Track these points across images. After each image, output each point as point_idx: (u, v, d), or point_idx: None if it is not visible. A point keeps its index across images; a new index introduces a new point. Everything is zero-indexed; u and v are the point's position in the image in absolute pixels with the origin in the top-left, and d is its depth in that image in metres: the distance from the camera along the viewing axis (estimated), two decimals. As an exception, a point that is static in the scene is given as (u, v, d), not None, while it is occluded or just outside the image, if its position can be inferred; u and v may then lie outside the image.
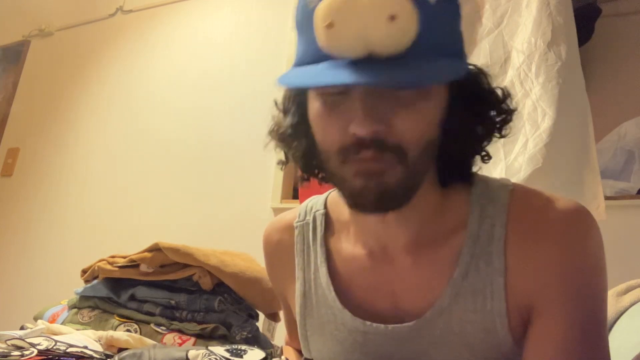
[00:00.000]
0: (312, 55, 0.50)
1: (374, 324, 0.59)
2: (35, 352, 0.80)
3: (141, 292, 1.23)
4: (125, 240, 1.68)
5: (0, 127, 2.54)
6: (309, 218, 0.69)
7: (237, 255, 1.22)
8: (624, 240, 1.26)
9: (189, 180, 1.83)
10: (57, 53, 2.56)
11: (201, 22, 2.16)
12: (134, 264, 1.26)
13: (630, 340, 0.64)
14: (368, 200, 0.51)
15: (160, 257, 1.22)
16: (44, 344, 0.84)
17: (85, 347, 0.91)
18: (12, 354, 0.77)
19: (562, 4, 1.29)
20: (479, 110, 0.56)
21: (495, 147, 1.27)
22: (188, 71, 2.05)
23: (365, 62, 0.46)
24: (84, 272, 1.36)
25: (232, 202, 1.76)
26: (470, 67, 0.56)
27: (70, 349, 0.86)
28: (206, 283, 1.17)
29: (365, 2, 0.44)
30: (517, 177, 1.19)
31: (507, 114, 0.57)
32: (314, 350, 0.67)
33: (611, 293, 0.79)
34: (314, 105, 0.54)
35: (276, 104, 0.63)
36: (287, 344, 0.85)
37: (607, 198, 1.18)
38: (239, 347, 0.94)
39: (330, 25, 0.46)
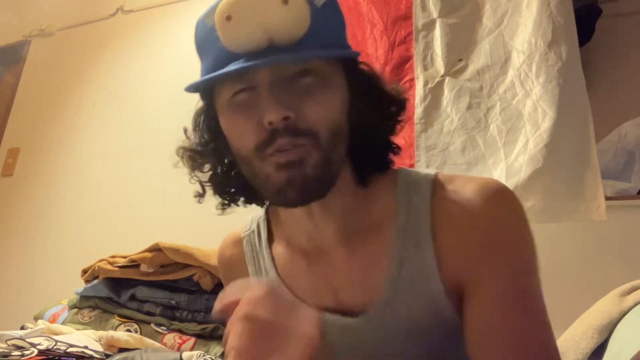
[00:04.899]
0: (216, 63, 0.53)
1: (327, 314, 0.61)
2: (36, 352, 0.80)
3: (141, 292, 1.23)
4: (125, 240, 1.68)
5: (0, 127, 2.54)
6: (254, 226, 0.72)
7: (237, 255, 1.22)
8: (624, 241, 1.26)
9: (189, 177, 1.83)
10: (57, 53, 2.56)
11: (201, 22, 2.16)
12: (134, 264, 1.26)
13: (634, 340, 0.64)
14: (293, 192, 0.53)
15: (161, 257, 1.22)
16: (44, 343, 0.84)
17: (86, 347, 0.91)
18: (12, 353, 0.77)
19: (563, 4, 1.29)
20: (375, 102, 0.60)
21: (496, 147, 1.29)
22: (189, 71, 2.04)
23: (265, 51, 0.51)
24: (84, 272, 1.36)
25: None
26: (363, 65, 0.61)
27: (70, 349, 0.86)
28: (207, 283, 1.17)
29: None
30: (518, 177, 1.19)
31: (400, 105, 0.62)
32: None
33: (615, 293, 0.79)
34: (225, 114, 0.57)
35: (185, 131, 0.66)
36: None
37: (607, 198, 1.18)
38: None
39: (229, 18, 0.50)
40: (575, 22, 1.29)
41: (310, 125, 0.53)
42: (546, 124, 1.21)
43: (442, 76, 1.40)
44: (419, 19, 1.47)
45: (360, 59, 0.61)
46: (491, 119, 1.30)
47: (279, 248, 0.68)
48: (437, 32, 1.44)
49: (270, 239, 0.70)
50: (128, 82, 2.27)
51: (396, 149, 0.64)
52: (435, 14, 1.46)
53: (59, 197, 2.22)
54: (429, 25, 1.46)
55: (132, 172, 2.08)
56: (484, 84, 1.34)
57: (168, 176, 2.02)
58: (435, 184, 0.59)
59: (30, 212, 2.26)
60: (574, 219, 1.17)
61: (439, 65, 1.41)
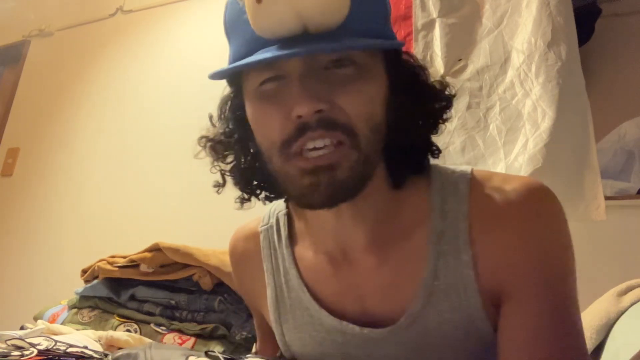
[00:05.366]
0: (245, 48, 0.48)
1: (350, 325, 0.57)
2: (35, 352, 0.80)
3: (141, 292, 1.24)
4: (125, 240, 1.68)
5: (0, 127, 2.54)
6: (273, 220, 0.67)
7: (237, 255, 1.22)
8: (624, 240, 1.26)
9: (190, 180, 1.83)
10: (57, 53, 2.56)
11: (202, 21, 2.16)
12: (134, 264, 1.26)
13: (631, 340, 0.64)
14: (318, 196, 0.48)
15: (160, 257, 1.22)
16: (44, 344, 0.84)
17: (85, 347, 0.91)
18: (12, 354, 0.77)
19: (562, 4, 1.29)
20: (418, 97, 0.55)
21: (496, 147, 1.29)
22: (189, 71, 2.05)
23: (298, 38, 0.46)
24: (84, 272, 1.36)
25: (234, 202, 1.74)
26: (405, 56, 0.56)
27: (70, 349, 0.86)
28: (206, 283, 1.17)
29: None
30: (517, 177, 1.19)
31: (446, 102, 0.57)
32: (296, 353, 0.65)
33: (611, 293, 0.79)
34: (251, 103, 0.52)
35: (211, 118, 0.61)
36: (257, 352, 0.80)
37: (607, 198, 1.18)
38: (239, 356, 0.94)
39: (259, 0, 0.44)
40: (575, 22, 1.29)
41: (348, 119, 0.47)
42: (546, 123, 1.21)
43: (441, 76, 1.40)
44: (418, 19, 1.47)
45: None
46: (491, 118, 1.30)
47: (301, 247, 0.63)
48: (437, 32, 1.44)
49: (292, 236, 0.64)
50: (128, 82, 2.27)
51: (436, 151, 0.58)
52: (434, 14, 1.46)
53: (59, 197, 2.22)
54: (429, 25, 1.46)
55: (132, 172, 2.08)
56: (484, 83, 1.34)
57: (168, 176, 2.03)
58: (472, 184, 0.54)
59: (30, 212, 2.26)
60: (573, 219, 1.16)
61: (439, 65, 1.41)
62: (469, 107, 1.33)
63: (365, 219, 0.56)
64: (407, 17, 1.49)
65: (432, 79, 0.57)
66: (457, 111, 1.33)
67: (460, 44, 1.41)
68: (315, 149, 0.47)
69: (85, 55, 2.45)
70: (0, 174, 2.43)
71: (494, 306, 0.52)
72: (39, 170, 2.33)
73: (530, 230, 0.51)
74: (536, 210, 0.51)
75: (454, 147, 1.29)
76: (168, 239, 1.26)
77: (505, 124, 1.28)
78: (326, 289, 0.60)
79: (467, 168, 0.57)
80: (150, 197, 1.98)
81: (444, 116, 0.57)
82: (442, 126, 0.57)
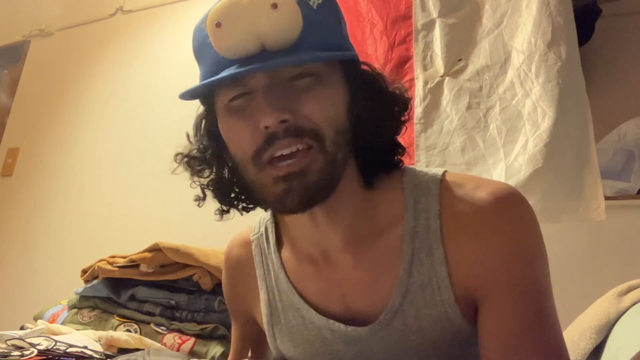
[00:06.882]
0: (212, 69, 0.53)
1: (336, 323, 0.60)
2: (35, 352, 0.80)
3: (141, 292, 1.24)
4: (125, 240, 1.68)
5: (0, 127, 2.54)
6: (262, 229, 0.71)
7: (237, 255, 1.22)
8: (624, 240, 1.26)
9: (189, 180, 1.84)
10: (57, 53, 2.56)
11: (201, 22, 2.16)
12: (134, 264, 1.26)
13: (631, 340, 0.64)
14: (292, 200, 0.52)
15: (160, 257, 1.22)
16: (44, 344, 0.84)
17: (85, 347, 0.91)
18: (12, 354, 0.77)
19: (562, 4, 1.29)
20: (378, 101, 0.58)
21: (496, 147, 1.29)
22: (188, 71, 2.05)
23: (258, 56, 0.50)
24: (84, 272, 1.37)
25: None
26: (364, 65, 0.60)
27: (70, 349, 0.86)
28: (206, 283, 1.17)
29: (247, 0, 0.49)
30: (517, 177, 1.19)
31: (403, 104, 0.61)
32: (288, 355, 0.67)
33: (612, 293, 0.79)
34: (223, 120, 0.56)
35: (188, 136, 0.66)
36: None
37: (607, 198, 1.18)
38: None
39: (218, 24, 0.49)
40: (575, 22, 1.29)
41: (312, 124, 0.51)
42: (546, 123, 1.21)
43: (441, 76, 1.39)
44: (418, 19, 1.47)
45: (359, 59, 0.59)
46: (491, 119, 1.30)
47: (287, 252, 0.67)
48: (437, 32, 1.44)
49: (279, 242, 0.69)
50: (128, 82, 2.27)
51: (401, 150, 0.62)
52: (434, 14, 1.46)
53: (58, 197, 2.22)
54: (429, 25, 1.46)
55: (132, 171, 2.08)
56: (484, 84, 1.34)
57: (168, 176, 2.02)
58: (443, 186, 0.57)
59: (30, 212, 2.26)
60: (573, 219, 1.17)
61: (439, 65, 1.41)
62: (469, 107, 1.33)
63: (341, 220, 0.59)
64: (407, 17, 1.49)
65: (389, 85, 0.61)
66: (457, 111, 1.33)
67: (460, 44, 1.41)
68: (283, 157, 0.51)
69: (85, 55, 2.45)
70: (0, 174, 2.43)
71: (469, 303, 0.55)
72: (39, 170, 2.33)
73: (499, 237, 0.53)
74: (504, 217, 0.53)
75: (454, 147, 1.29)
76: (168, 239, 1.26)
77: (505, 124, 1.28)
78: (311, 289, 0.63)
79: (439, 170, 0.60)
80: (151, 197, 1.98)
81: (403, 118, 0.61)
82: (403, 127, 0.62)
